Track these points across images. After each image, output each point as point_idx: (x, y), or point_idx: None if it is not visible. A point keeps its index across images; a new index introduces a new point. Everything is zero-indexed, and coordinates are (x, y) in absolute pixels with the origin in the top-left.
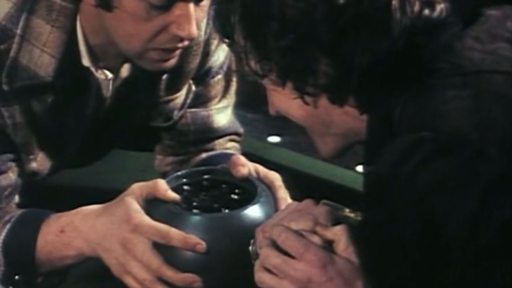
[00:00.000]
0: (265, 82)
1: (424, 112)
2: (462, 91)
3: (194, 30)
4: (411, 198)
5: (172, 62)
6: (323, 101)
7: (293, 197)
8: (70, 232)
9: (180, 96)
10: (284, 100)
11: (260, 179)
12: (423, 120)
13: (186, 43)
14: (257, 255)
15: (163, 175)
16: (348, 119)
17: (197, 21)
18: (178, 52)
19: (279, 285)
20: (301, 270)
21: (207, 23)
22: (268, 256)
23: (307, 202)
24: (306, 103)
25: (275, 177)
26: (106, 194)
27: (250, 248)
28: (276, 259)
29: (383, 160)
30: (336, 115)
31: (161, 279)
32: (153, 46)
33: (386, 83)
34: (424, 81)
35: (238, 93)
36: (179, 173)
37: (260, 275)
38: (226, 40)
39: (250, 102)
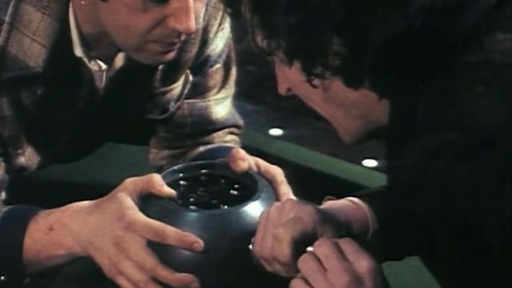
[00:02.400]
0: (273, 58)
1: (451, 111)
2: (490, 87)
3: (192, 24)
4: (443, 201)
5: (171, 55)
6: (338, 84)
7: (296, 193)
8: (59, 230)
9: (177, 87)
10: (301, 84)
11: (261, 174)
12: (450, 119)
13: (183, 37)
14: (258, 255)
15: (158, 170)
16: (367, 100)
17: (196, 13)
18: (178, 45)
19: None
20: None
21: (206, 9)
22: None
23: (301, 208)
24: (314, 86)
25: (277, 172)
26: (97, 190)
27: (251, 247)
28: None
29: (411, 159)
30: (354, 98)
31: (156, 280)
32: (151, 39)
33: (404, 66)
34: (449, 76)
35: (238, 83)
36: (175, 167)
37: None
38: (230, 11)
39: (251, 93)
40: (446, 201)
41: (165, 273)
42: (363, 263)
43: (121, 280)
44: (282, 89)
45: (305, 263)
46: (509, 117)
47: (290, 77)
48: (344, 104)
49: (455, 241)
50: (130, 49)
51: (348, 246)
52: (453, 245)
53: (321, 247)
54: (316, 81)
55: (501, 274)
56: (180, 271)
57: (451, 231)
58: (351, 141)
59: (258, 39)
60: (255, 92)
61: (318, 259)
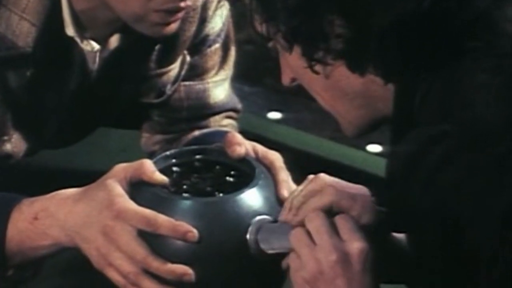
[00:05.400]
0: (275, 45)
1: (449, 101)
2: (494, 77)
3: None
4: (431, 197)
5: (174, 26)
6: (342, 70)
7: (296, 180)
8: (44, 219)
9: (174, 69)
10: (303, 71)
11: (259, 159)
12: (447, 110)
13: (189, 2)
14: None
15: (150, 155)
16: (371, 88)
17: None
18: (181, 15)
19: None
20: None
21: None
22: None
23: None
24: (316, 72)
25: (276, 157)
26: (85, 177)
27: (248, 236)
28: None
29: (403, 151)
30: (358, 85)
31: (148, 272)
32: (154, 7)
33: (410, 50)
34: (454, 63)
35: (235, 64)
36: (168, 152)
37: None
38: None
39: (248, 74)
40: (436, 196)
41: (157, 264)
42: (354, 244)
43: (110, 272)
44: (285, 80)
45: (295, 236)
46: (509, 111)
47: (291, 64)
48: (347, 94)
49: (442, 238)
50: (130, 18)
51: (343, 223)
52: (440, 243)
53: (313, 221)
54: (318, 68)
55: (485, 280)
56: (173, 262)
57: (439, 228)
58: (354, 133)
59: (257, 23)
60: (253, 73)
61: (309, 233)
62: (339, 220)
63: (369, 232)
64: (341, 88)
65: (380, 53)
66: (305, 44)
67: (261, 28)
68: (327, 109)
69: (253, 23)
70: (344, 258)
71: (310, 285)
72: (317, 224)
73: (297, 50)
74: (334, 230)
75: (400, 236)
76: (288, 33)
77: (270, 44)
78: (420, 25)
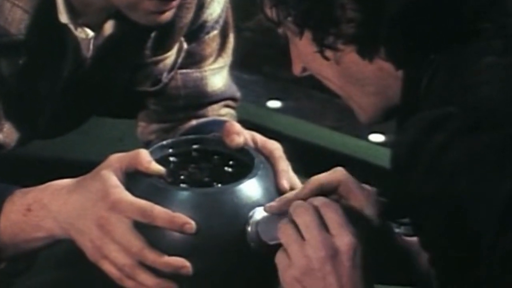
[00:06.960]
0: (285, 32)
1: (454, 83)
2: (501, 58)
3: None
4: (434, 181)
5: (169, 15)
6: (352, 56)
7: (296, 170)
8: (38, 211)
9: (170, 56)
10: (313, 57)
11: (258, 149)
12: (452, 93)
13: None
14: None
15: (146, 145)
16: (383, 75)
17: None
18: (175, 3)
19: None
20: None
21: None
22: None
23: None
24: (326, 58)
25: (275, 147)
26: (79, 167)
27: (249, 228)
28: None
29: (406, 135)
30: (369, 72)
31: (144, 264)
32: None
33: (422, 34)
34: (463, 45)
35: (234, 51)
36: (164, 142)
37: None
38: None
39: (247, 61)
40: (437, 182)
41: (153, 257)
42: (344, 239)
43: (105, 265)
44: (296, 69)
45: (283, 231)
46: None
47: (301, 51)
48: (359, 80)
49: (443, 225)
50: (123, 6)
51: (332, 216)
52: (442, 230)
53: (302, 216)
54: (328, 53)
55: (489, 270)
56: (169, 254)
57: (440, 215)
58: (368, 120)
59: (267, 8)
60: (252, 60)
61: (298, 227)
62: (327, 213)
63: (369, 225)
64: (351, 75)
65: (391, 37)
66: (315, 29)
67: (271, 12)
68: (341, 95)
69: (262, 7)
70: (334, 254)
71: (300, 283)
72: (306, 219)
73: (307, 35)
74: (323, 224)
75: (407, 239)
76: (298, 17)
77: (280, 31)
78: (432, 8)
